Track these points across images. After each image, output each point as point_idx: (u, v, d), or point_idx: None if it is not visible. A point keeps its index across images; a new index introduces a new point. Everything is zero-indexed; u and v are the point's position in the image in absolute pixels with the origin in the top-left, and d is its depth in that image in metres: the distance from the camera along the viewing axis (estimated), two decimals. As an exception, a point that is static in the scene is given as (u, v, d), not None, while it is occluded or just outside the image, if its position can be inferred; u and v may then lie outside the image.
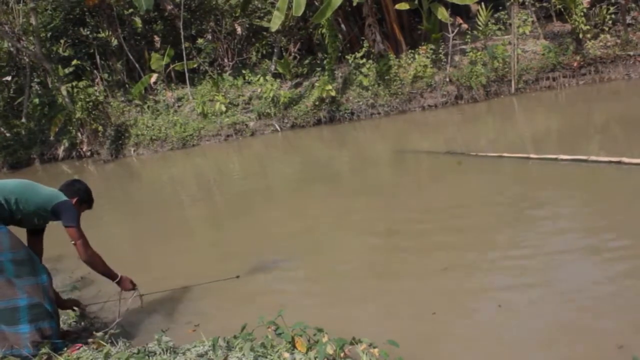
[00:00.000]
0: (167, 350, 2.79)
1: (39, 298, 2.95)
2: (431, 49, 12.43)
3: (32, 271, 2.97)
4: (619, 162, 5.36)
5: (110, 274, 3.32)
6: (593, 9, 12.14)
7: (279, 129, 13.34)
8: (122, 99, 15.66)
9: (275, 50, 15.15)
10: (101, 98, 14.61)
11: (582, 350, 2.65)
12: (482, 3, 13.02)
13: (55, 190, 3.23)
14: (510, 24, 12.18)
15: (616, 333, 2.68)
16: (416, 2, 12.80)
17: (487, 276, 3.70)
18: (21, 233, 3.16)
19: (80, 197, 3.34)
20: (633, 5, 12.25)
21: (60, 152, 15.65)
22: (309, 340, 2.60)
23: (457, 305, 3.28)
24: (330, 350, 2.42)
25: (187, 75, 15.22)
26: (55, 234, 3.52)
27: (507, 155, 6.54)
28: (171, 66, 15.61)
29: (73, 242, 3.13)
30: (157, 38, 17.16)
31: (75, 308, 3.56)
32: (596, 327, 2.81)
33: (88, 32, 16.30)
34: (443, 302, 3.33)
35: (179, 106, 14.90)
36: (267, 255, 4.79)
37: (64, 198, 3.19)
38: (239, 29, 16.26)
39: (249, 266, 4.47)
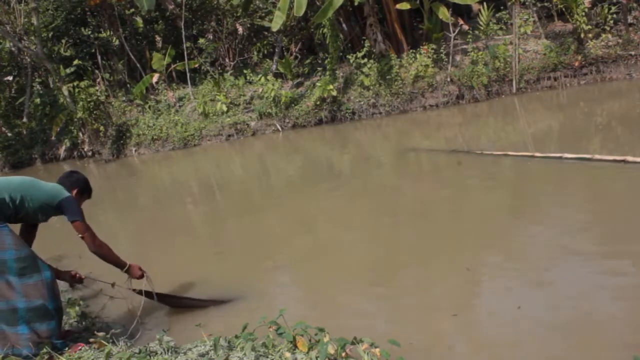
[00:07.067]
0: (168, 350, 2.79)
1: (41, 298, 2.92)
2: (432, 48, 12.42)
3: (35, 268, 2.96)
4: (623, 161, 5.35)
5: (119, 263, 3.37)
6: (594, 8, 12.13)
7: (280, 128, 13.34)
8: (124, 98, 15.67)
9: (277, 50, 15.14)
10: (102, 98, 14.62)
11: (602, 356, 2.59)
12: (484, 3, 13.00)
13: (57, 185, 3.26)
14: (511, 24, 12.16)
15: (636, 338, 2.62)
16: (417, 1, 12.78)
17: (506, 277, 3.60)
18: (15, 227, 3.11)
19: (80, 187, 3.40)
20: (634, 4, 12.22)
21: (62, 152, 15.66)
22: (310, 340, 2.60)
23: (474, 306, 3.25)
24: (331, 349, 2.42)
25: (188, 75, 15.22)
26: (55, 234, 3.52)
27: (511, 153, 6.53)
28: (172, 66, 15.61)
29: (80, 235, 3.17)
30: (158, 38, 17.18)
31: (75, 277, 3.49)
32: (617, 332, 2.74)
33: (89, 32, 16.30)
34: (459, 302, 3.29)
35: (180, 106, 14.91)
36: (268, 254, 4.78)
37: (67, 194, 3.21)
38: (240, 29, 16.26)
39: (249, 266, 4.47)
